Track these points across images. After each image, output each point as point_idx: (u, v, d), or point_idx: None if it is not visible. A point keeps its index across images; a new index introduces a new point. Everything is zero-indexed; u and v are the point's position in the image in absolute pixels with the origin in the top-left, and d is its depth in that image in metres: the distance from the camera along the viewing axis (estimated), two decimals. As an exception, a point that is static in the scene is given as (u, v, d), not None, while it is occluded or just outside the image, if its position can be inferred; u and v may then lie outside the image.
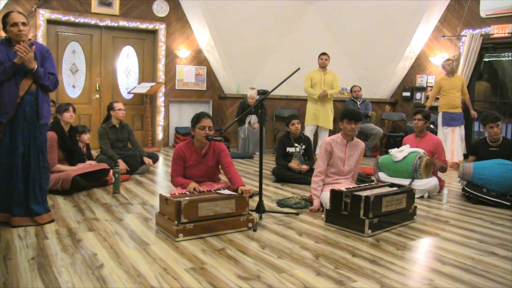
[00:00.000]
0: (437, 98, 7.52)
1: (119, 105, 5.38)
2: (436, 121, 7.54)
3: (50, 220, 3.22)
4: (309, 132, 6.94)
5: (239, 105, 7.58)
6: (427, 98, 7.77)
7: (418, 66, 8.02)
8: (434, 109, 7.61)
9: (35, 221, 3.13)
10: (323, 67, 6.85)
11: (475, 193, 4.24)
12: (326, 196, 3.60)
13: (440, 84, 6.62)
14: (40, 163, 3.16)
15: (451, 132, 6.63)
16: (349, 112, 3.86)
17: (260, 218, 3.45)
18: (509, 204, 4.07)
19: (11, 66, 2.96)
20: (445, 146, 6.52)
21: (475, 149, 4.66)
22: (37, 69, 3.04)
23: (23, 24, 3.03)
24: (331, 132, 6.82)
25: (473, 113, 6.70)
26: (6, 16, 3.05)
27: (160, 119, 8.02)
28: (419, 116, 4.80)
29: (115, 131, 5.40)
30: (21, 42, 2.99)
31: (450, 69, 6.54)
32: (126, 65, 7.90)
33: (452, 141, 6.59)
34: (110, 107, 5.41)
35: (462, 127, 6.71)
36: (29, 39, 3.12)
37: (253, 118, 7.36)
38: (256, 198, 3.62)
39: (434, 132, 6.66)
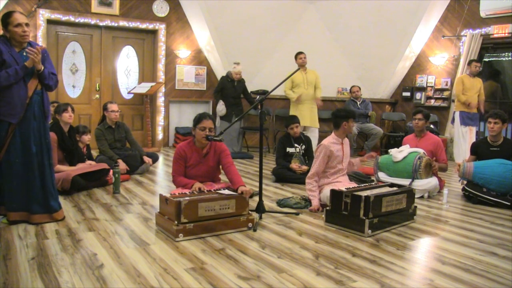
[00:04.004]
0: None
1: (113, 107, 5.34)
2: (438, 120, 7.55)
3: (64, 216, 3.32)
4: None
5: (220, 82, 7.07)
6: (427, 98, 7.79)
7: (418, 66, 8.02)
8: (434, 109, 7.62)
9: (53, 217, 3.22)
10: (302, 66, 6.68)
11: (475, 193, 4.24)
12: (327, 195, 3.62)
13: (462, 81, 6.56)
14: (50, 161, 3.26)
15: (469, 131, 6.61)
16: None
17: (260, 218, 3.45)
18: (509, 204, 4.07)
19: (22, 69, 3.00)
20: (464, 145, 6.53)
21: (476, 148, 4.66)
22: (43, 70, 3.10)
23: (27, 25, 3.07)
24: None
25: (482, 109, 6.66)
26: (8, 16, 3.05)
27: (160, 119, 8.01)
28: (419, 116, 4.80)
29: (112, 131, 5.39)
30: (34, 46, 3.04)
31: (476, 71, 6.53)
32: (126, 65, 7.90)
33: (470, 141, 6.54)
34: (104, 108, 5.39)
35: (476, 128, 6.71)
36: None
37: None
38: (256, 198, 3.62)
39: (434, 132, 6.65)
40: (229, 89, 6.93)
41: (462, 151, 6.59)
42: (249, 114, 7.43)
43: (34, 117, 3.12)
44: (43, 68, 3.09)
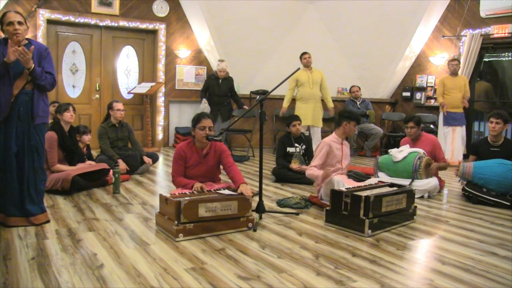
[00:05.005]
0: (434, 98, 7.54)
1: (118, 105, 5.38)
2: (436, 121, 7.55)
3: (46, 221, 3.19)
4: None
5: (205, 80, 7.02)
6: (427, 98, 7.79)
7: (418, 66, 8.02)
8: (434, 109, 7.62)
9: (30, 221, 3.11)
10: (307, 66, 6.71)
11: (475, 193, 4.24)
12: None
13: (443, 82, 6.65)
14: (35, 163, 3.13)
15: (451, 132, 6.64)
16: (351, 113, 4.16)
17: (260, 218, 3.45)
18: (509, 204, 4.07)
19: (1, 65, 2.92)
20: (444, 145, 6.54)
21: (476, 148, 4.66)
22: (34, 69, 3.00)
23: (19, 23, 2.99)
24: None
25: (465, 103, 6.61)
26: (2, 16, 3.03)
27: (160, 119, 8.02)
28: (411, 124, 4.76)
29: (115, 130, 5.41)
30: (20, 45, 2.95)
31: (453, 70, 6.59)
32: (126, 65, 7.90)
33: (452, 141, 6.60)
34: (110, 106, 5.43)
35: (464, 127, 6.71)
36: (26, 39, 3.10)
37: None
38: (256, 198, 3.62)
39: (433, 132, 6.65)
40: (213, 87, 6.73)
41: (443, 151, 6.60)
42: (233, 115, 7.29)
43: (18, 117, 3.03)
44: (32, 66, 2.98)
